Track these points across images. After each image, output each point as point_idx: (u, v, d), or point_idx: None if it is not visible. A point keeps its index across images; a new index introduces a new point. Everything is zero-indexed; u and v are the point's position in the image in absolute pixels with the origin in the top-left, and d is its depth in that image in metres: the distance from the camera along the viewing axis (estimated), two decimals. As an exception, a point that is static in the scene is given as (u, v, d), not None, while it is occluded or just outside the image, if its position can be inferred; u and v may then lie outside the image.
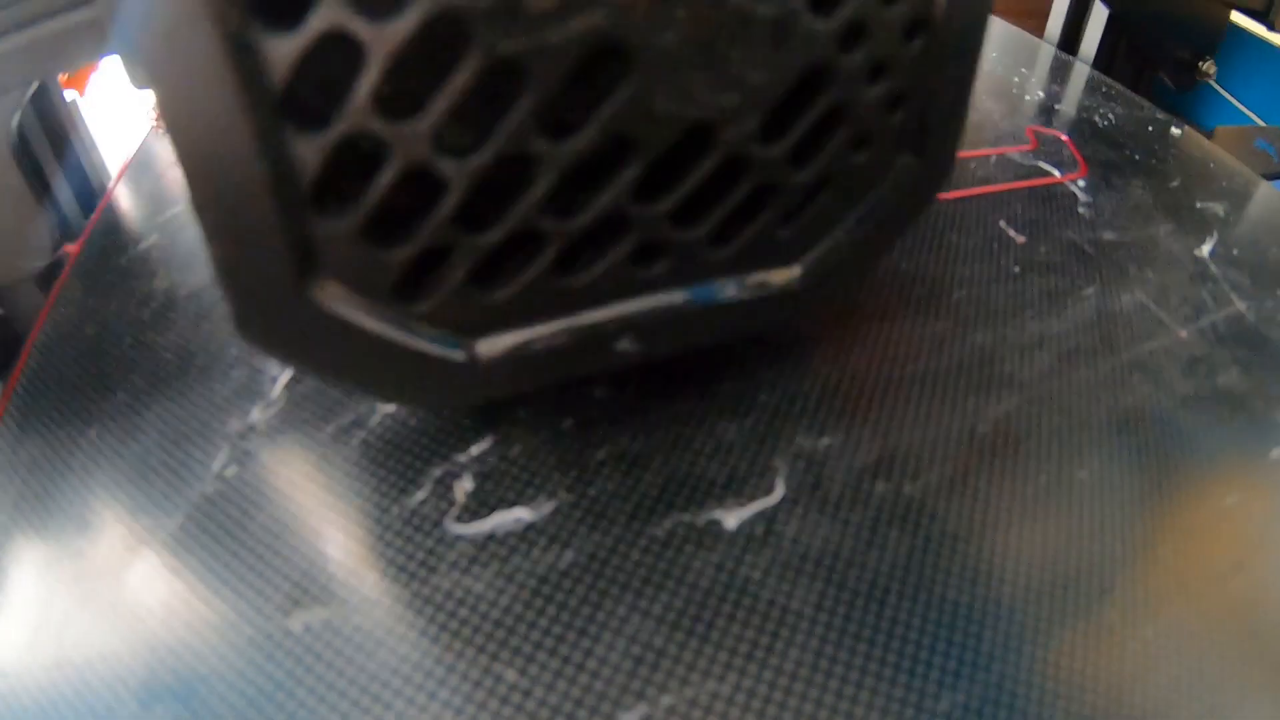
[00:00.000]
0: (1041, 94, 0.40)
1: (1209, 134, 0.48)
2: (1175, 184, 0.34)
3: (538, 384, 0.18)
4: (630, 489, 0.19)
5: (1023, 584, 0.18)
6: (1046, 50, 0.46)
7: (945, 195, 0.30)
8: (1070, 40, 0.51)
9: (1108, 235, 0.30)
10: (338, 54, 0.13)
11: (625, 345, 0.18)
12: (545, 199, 0.15)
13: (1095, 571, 0.18)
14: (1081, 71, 0.44)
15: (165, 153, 0.35)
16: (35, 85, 0.31)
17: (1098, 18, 0.49)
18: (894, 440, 0.21)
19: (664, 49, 0.13)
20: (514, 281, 0.16)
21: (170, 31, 0.12)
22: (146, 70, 0.12)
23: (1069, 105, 0.40)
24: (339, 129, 0.13)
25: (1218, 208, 0.33)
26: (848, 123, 0.17)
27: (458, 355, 0.17)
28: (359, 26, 0.12)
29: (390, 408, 0.21)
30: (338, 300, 0.15)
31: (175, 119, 0.13)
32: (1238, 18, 0.49)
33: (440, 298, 0.16)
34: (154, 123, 0.37)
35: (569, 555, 0.18)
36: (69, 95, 0.34)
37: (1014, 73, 0.42)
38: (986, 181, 0.32)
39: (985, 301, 0.25)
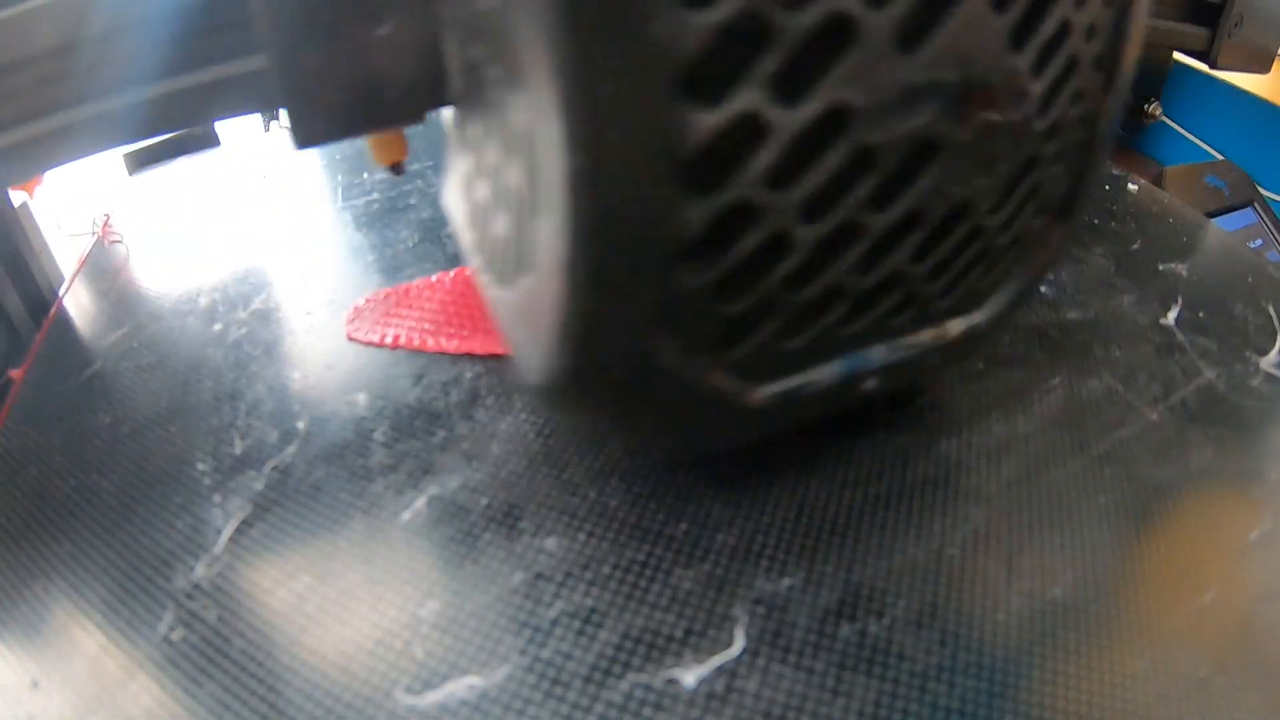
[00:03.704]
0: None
1: (1162, 172, 0.48)
2: (1136, 247, 0.34)
3: (796, 423, 0.21)
4: (585, 648, 0.19)
5: (997, 730, 0.17)
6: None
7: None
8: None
9: (1071, 314, 0.29)
10: (743, 131, 0.14)
11: (870, 384, 0.20)
12: (856, 262, 0.17)
13: (1073, 699, 0.18)
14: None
15: (110, 267, 0.35)
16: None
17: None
18: (858, 575, 0.20)
19: (960, 144, 0.16)
20: (808, 332, 0.18)
21: (610, 96, 0.13)
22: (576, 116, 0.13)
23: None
24: (728, 196, 0.15)
25: (1180, 268, 0.33)
26: (1037, 199, 0.20)
27: (743, 399, 0.18)
28: (770, 111, 0.14)
29: (342, 565, 0.21)
30: (665, 350, 0.17)
31: (590, 175, 0.14)
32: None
33: (751, 346, 0.18)
34: (100, 235, 0.37)
35: (523, 730, 0.17)
36: (18, 198, 0.35)
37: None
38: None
39: (949, 406, 0.25)
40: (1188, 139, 0.62)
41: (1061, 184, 0.20)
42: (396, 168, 0.27)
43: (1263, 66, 0.48)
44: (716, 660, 0.18)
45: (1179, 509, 0.22)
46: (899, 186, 0.16)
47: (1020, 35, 0.16)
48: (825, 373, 0.19)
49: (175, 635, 0.20)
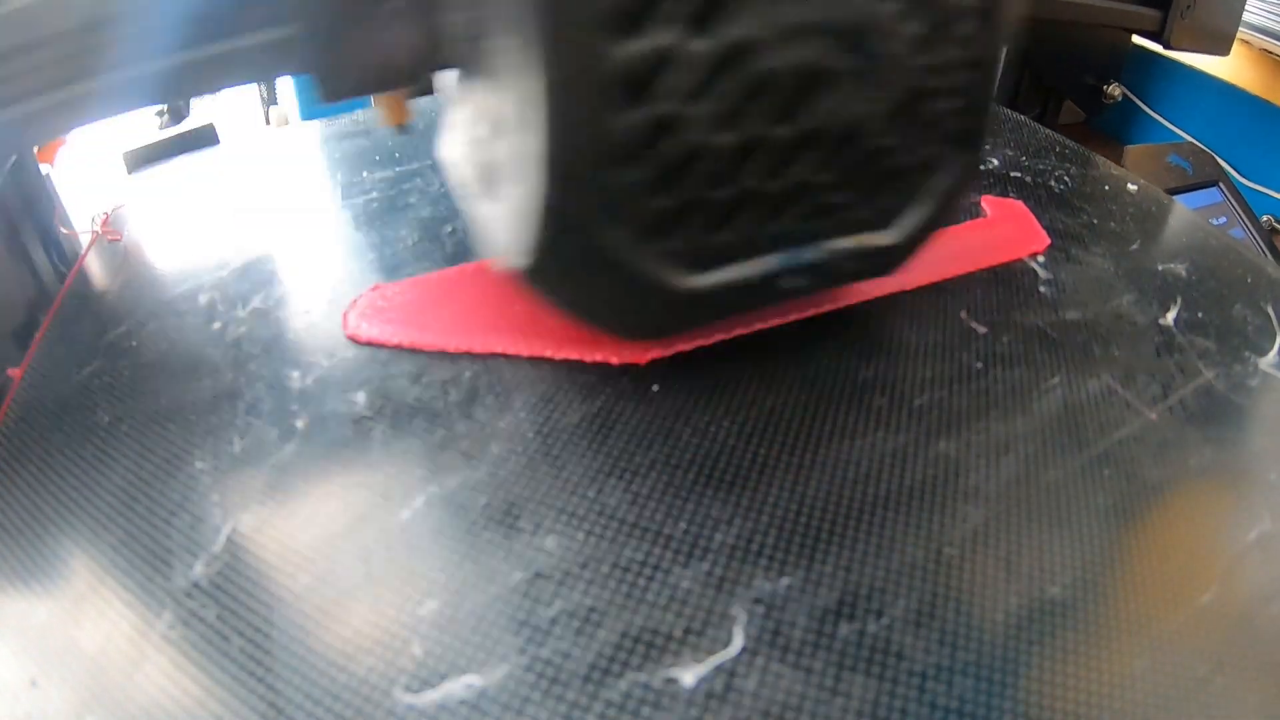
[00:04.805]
0: (996, 161, 0.40)
1: (1123, 150, 0.49)
2: (1135, 247, 0.34)
3: (733, 312, 0.26)
4: (584, 647, 0.19)
5: (995, 729, 0.17)
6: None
7: (907, 286, 0.30)
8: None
9: (1071, 315, 0.29)
10: (660, 58, 0.19)
11: (796, 281, 0.24)
12: (765, 169, 0.21)
13: (1072, 700, 0.18)
14: (1034, 131, 0.44)
15: (110, 266, 0.35)
16: (13, 158, 0.33)
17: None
18: (857, 574, 0.20)
19: (844, 73, 0.21)
20: (731, 229, 0.22)
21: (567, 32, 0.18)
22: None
23: (1022, 170, 0.40)
24: (653, 110, 0.19)
25: (1179, 268, 0.33)
26: (934, 128, 0.23)
27: (683, 284, 0.22)
28: (684, 42, 0.19)
29: (342, 564, 0.21)
30: (611, 236, 0.21)
31: (551, 100, 0.19)
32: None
33: (685, 237, 0.22)
34: (99, 233, 0.37)
35: (522, 729, 0.17)
36: (43, 169, 0.36)
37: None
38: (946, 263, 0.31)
39: (948, 406, 0.25)
40: (1159, 122, 0.63)
41: (958, 118, 0.23)
42: (403, 128, 0.30)
43: (1222, 49, 0.48)
44: (715, 659, 0.18)
45: (1178, 509, 0.22)
46: (796, 107, 0.21)
47: None
48: (753, 267, 0.23)
49: (174, 634, 0.20)
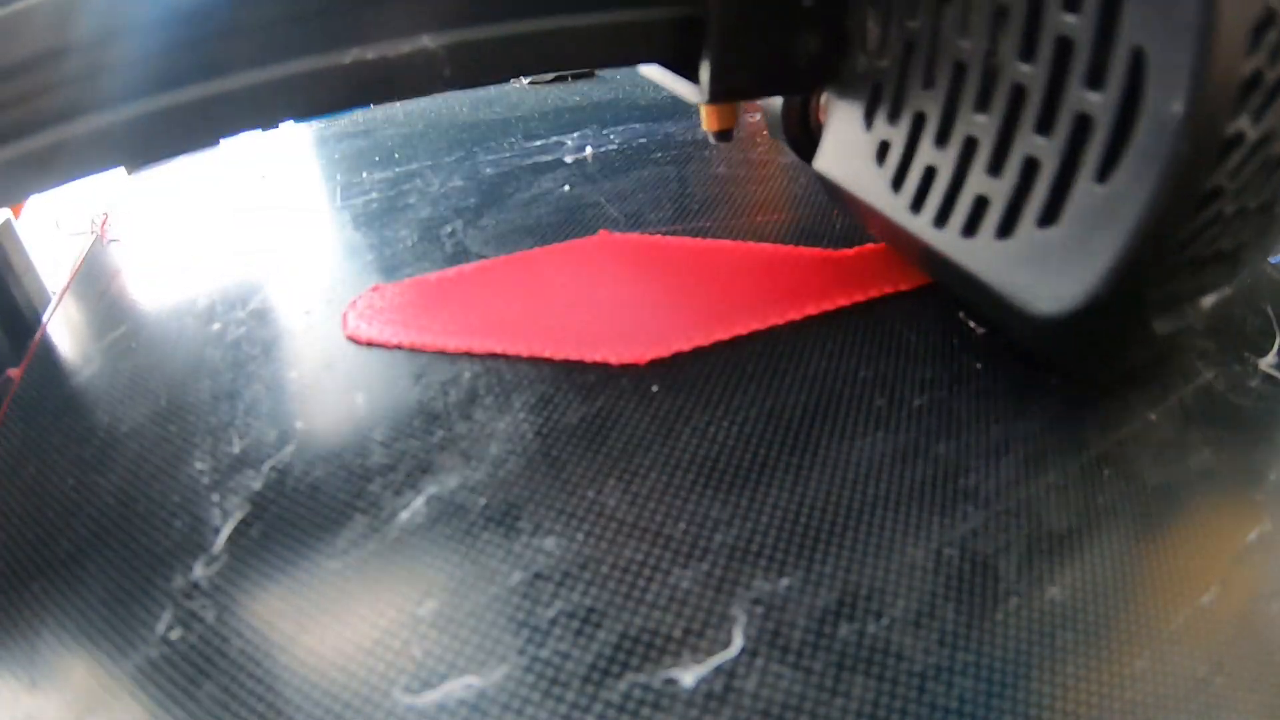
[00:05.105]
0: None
1: None
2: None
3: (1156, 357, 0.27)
4: (583, 648, 0.19)
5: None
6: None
7: (905, 286, 0.30)
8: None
9: (1070, 314, 0.29)
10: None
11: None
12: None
13: (1071, 700, 0.18)
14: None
15: (109, 266, 0.35)
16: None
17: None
18: (856, 575, 0.20)
19: None
20: (1205, 275, 0.23)
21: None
22: None
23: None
24: (1248, 143, 0.19)
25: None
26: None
27: (1160, 329, 0.24)
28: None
29: (341, 564, 0.21)
30: (1151, 287, 0.21)
31: (1182, 154, 0.18)
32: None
33: (1180, 284, 0.23)
34: (98, 234, 0.37)
35: (521, 730, 0.17)
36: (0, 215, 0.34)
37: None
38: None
39: (948, 406, 0.25)
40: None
41: None
42: (725, 134, 0.29)
43: None
44: (715, 660, 0.18)
45: (1177, 509, 0.22)
46: (1269, 181, 0.20)
47: None
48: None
49: (173, 635, 0.20)
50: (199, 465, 0.24)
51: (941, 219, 0.25)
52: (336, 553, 0.21)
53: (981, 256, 0.24)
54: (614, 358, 0.27)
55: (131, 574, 0.21)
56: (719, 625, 0.19)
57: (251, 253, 0.35)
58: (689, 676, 0.18)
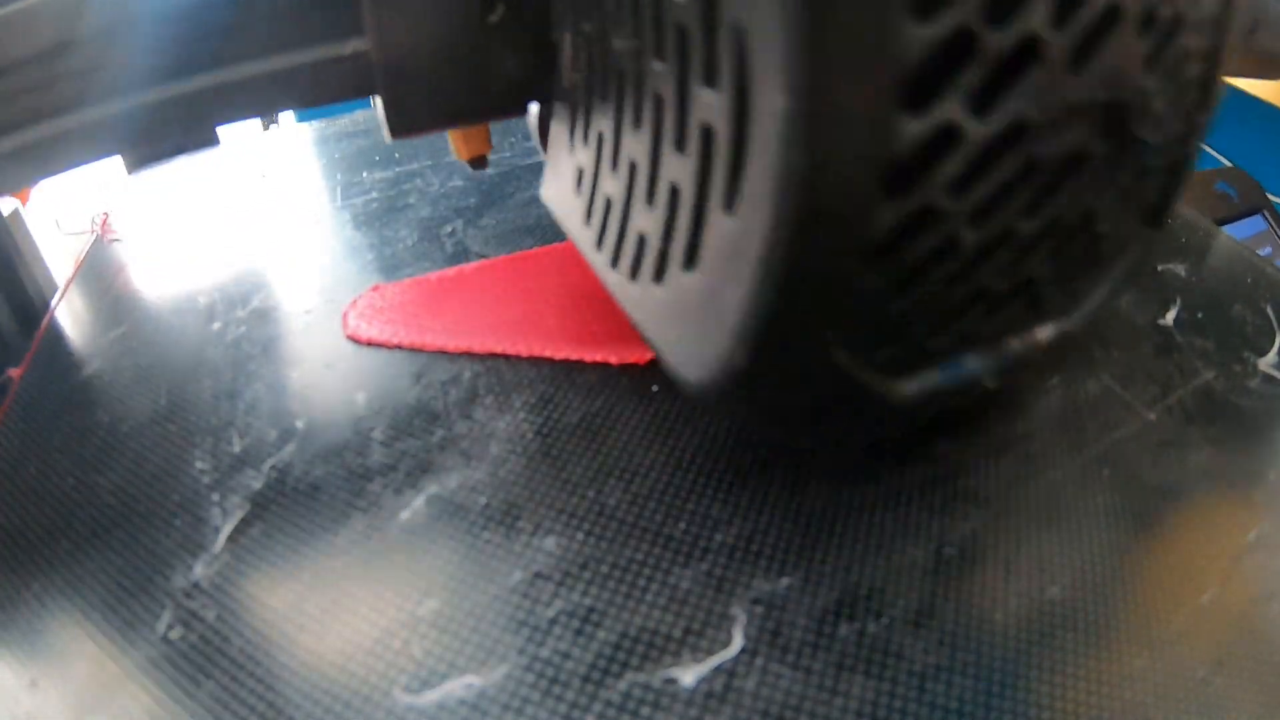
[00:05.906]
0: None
1: None
2: (1136, 248, 0.34)
3: (923, 419, 0.22)
4: (584, 648, 0.19)
5: (994, 730, 0.17)
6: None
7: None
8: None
9: (1069, 315, 0.29)
10: (940, 139, 0.14)
11: (992, 382, 0.20)
12: (1004, 265, 0.17)
13: (1071, 700, 0.18)
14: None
15: (109, 266, 0.35)
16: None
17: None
18: (856, 574, 0.20)
19: (1099, 159, 0.17)
20: (950, 331, 0.18)
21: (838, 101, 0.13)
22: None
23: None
24: (917, 200, 0.15)
25: (1179, 268, 0.33)
26: (1140, 208, 0.20)
27: (890, 394, 0.18)
28: (966, 122, 0.14)
29: (341, 564, 0.21)
30: (835, 347, 0.17)
31: (804, 175, 0.14)
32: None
33: (904, 344, 0.18)
34: (99, 233, 0.37)
35: (521, 729, 0.17)
36: (9, 205, 0.34)
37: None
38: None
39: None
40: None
41: (1161, 195, 0.20)
42: (479, 161, 0.25)
43: (1276, 72, 0.48)
44: (715, 660, 0.18)
45: (1177, 509, 0.22)
46: (1047, 197, 0.17)
47: (1153, 58, 0.16)
48: (964, 369, 0.19)
49: (174, 634, 0.20)
50: (199, 464, 0.24)
51: (615, 258, 0.21)
52: (337, 552, 0.21)
53: (643, 305, 0.20)
54: (614, 358, 0.27)
55: (132, 573, 0.21)
56: (719, 625, 0.19)
57: (252, 252, 0.35)
58: (689, 676, 0.18)
